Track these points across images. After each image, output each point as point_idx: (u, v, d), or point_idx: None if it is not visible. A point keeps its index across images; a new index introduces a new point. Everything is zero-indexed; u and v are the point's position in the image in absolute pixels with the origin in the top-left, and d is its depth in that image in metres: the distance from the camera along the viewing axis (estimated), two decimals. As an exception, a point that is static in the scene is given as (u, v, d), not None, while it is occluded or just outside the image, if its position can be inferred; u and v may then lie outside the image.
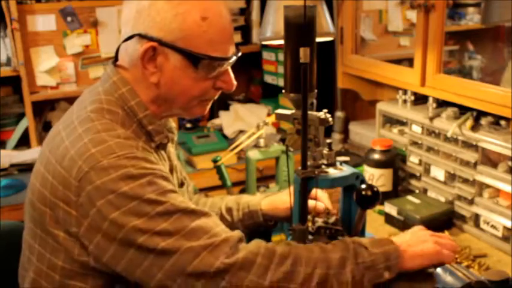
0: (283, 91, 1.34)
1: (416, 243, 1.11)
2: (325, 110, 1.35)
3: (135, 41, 1.10)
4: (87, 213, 1.02)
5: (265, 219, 1.45)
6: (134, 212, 1.00)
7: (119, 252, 1.02)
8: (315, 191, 1.39)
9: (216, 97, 1.21)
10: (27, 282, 1.14)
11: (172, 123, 1.34)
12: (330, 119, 1.34)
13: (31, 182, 1.14)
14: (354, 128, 2.38)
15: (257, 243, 1.06)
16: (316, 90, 1.33)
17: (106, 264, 1.04)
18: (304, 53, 1.18)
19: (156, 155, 1.18)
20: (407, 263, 1.09)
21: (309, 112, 1.31)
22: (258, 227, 1.47)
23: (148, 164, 1.04)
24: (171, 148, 1.29)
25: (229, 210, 1.48)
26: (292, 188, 1.38)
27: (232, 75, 1.18)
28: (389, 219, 1.72)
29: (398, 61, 2.13)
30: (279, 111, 1.43)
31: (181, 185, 1.37)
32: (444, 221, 1.69)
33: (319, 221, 1.36)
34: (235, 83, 1.19)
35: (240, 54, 1.18)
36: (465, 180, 1.69)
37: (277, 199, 1.47)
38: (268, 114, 2.58)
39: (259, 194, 1.58)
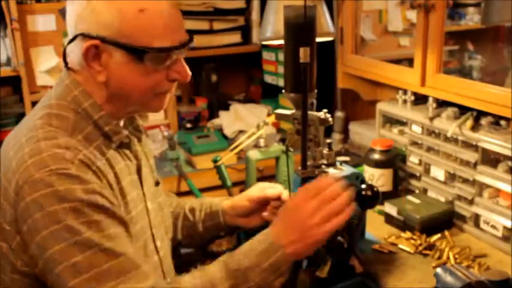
0: (283, 91, 1.34)
1: (301, 236, 1.10)
2: (325, 110, 1.35)
3: (79, 42, 1.09)
4: (20, 228, 1.03)
5: (226, 222, 1.45)
6: (54, 236, 0.99)
7: (43, 273, 1.03)
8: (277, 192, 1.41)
9: (173, 90, 1.18)
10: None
11: (139, 121, 1.31)
12: (330, 118, 1.34)
13: None
14: (354, 128, 2.37)
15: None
16: (316, 90, 1.33)
17: (39, 277, 1.05)
18: (304, 53, 1.18)
19: (118, 155, 1.17)
20: (298, 258, 1.13)
21: (309, 112, 1.31)
22: (219, 231, 1.48)
23: (79, 185, 1.01)
24: (138, 147, 1.27)
25: (192, 210, 1.48)
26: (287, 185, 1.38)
27: (185, 65, 1.14)
28: (389, 219, 1.72)
29: (398, 61, 2.13)
30: (279, 111, 1.43)
31: (157, 183, 1.36)
32: (444, 221, 1.68)
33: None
34: (189, 72, 1.15)
35: (192, 43, 1.14)
36: (465, 180, 1.69)
37: (238, 197, 1.47)
38: (268, 114, 2.57)
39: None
